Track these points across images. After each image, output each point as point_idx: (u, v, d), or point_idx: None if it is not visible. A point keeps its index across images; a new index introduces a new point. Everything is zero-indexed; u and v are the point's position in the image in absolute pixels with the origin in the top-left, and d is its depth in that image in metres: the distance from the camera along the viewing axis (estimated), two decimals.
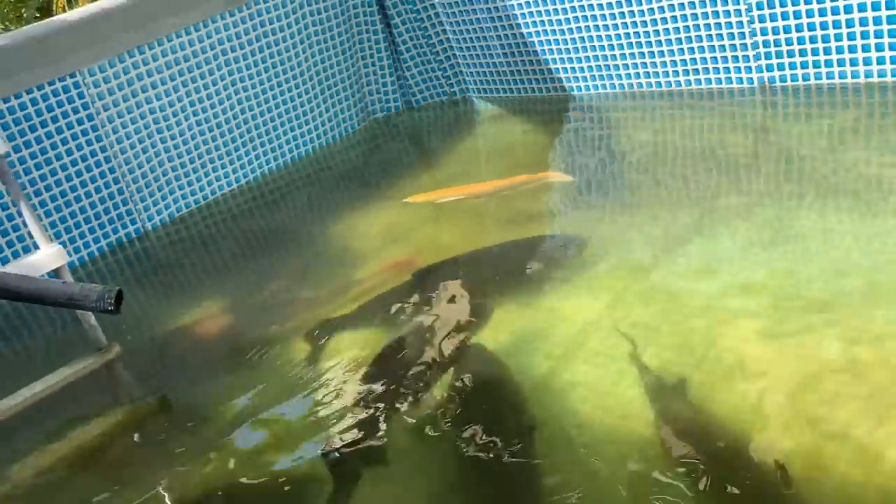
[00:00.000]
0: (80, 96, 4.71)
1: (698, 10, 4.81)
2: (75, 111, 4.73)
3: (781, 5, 4.51)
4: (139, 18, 4.85)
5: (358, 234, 4.57)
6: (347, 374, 3.11)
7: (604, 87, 5.54)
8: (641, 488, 2.22)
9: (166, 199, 5.25)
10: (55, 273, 3.33)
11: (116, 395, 3.58)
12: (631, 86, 5.40)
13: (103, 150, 4.86)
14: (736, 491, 2.14)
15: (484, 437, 2.57)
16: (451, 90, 6.47)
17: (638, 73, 5.31)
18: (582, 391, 2.69)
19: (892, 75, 4.35)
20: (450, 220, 4.52)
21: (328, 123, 6.12)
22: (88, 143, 4.80)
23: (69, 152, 4.75)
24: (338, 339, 3.41)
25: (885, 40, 4.26)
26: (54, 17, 4.73)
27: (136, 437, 3.15)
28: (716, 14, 4.75)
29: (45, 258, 3.30)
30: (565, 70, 5.65)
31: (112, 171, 4.92)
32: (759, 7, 4.59)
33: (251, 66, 5.48)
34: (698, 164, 4.40)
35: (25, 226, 4.47)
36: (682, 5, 4.84)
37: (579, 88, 5.67)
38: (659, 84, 5.25)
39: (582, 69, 5.56)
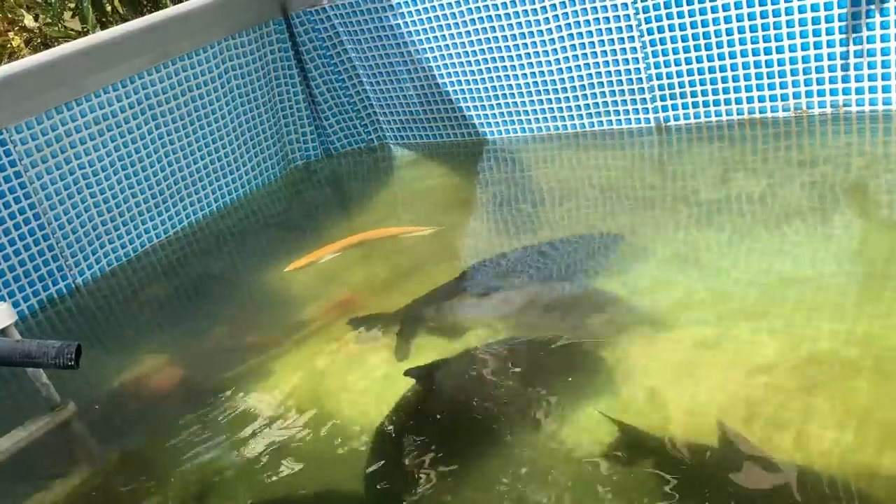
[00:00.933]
0: (7, 153, 4.69)
1: (599, 58, 5.33)
2: (2, 168, 4.70)
3: (674, 52, 5.09)
4: (64, 75, 4.89)
5: (292, 279, 4.74)
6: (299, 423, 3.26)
7: (514, 130, 5.97)
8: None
9: (97, 252, 5.23)
10: (2, 332, 3.33)
11: (75, 456, 3.58)
12: (539, 129, 5.85)
13: (32, 206, 4.83)
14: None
15: None
16: (369, 137, 6.76)
17: (546, 118, 5.77)
18: None
19: (771, 111, 5.00)
20: (381, 258, 4.76)
21: (251, 172, 6.26)
22: (17, 200, 4.76)
23: None
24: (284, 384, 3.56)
25: (765, 81, 4.91)
26: None
27: (98, 499, 3.18)
28: (615, 61, 5.28)
29: None
30: (478, 116, 6.06)
31: (42, 227, 4.88)
32: (654, 55, 5.15)
33: (176, 120, 5.57)
34: (602, 196, 4.87)
35: None
36: (584, 54, 5.35)
37: (492, 133, 6.09)
38: (565, 126, 5.73)
39: (493, 115, 5.98)
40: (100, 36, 5.27)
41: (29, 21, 8.83)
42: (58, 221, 4.96)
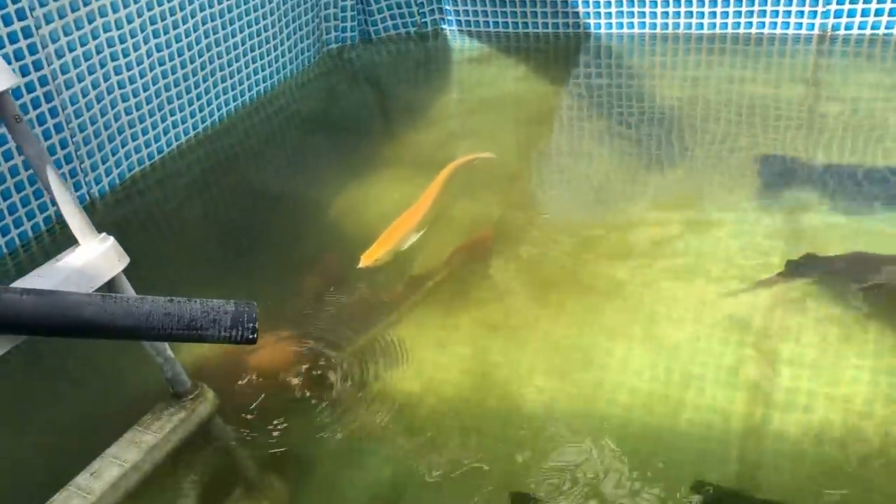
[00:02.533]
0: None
1: None
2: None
3: None
4: None
5: (370, 206, 3.62)
6: None
7: (626, 25, 4.90)
8: None
9: (117, 153, 3.86)
10: (110, 285, 2.12)
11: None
12: (662, 25, 4.81)
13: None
14: None
15: None
16: (423, 19, 5.47)
17: (671, 12, 4.73)
18: None
19: None
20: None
21: (287, 55, 4.92)
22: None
23: None
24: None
25: None
26: None
27: None
28: None
29: (99, 259, 2.07)
30: (575, 2, 4.93)
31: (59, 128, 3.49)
32: None
33: None
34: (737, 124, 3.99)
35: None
36: None
37: (595, 27, 4.98)
38: (697, 25, 4.72)
39: (598, 2, 4.88)
40: None
41: None
42: (78, 121, 3.56)
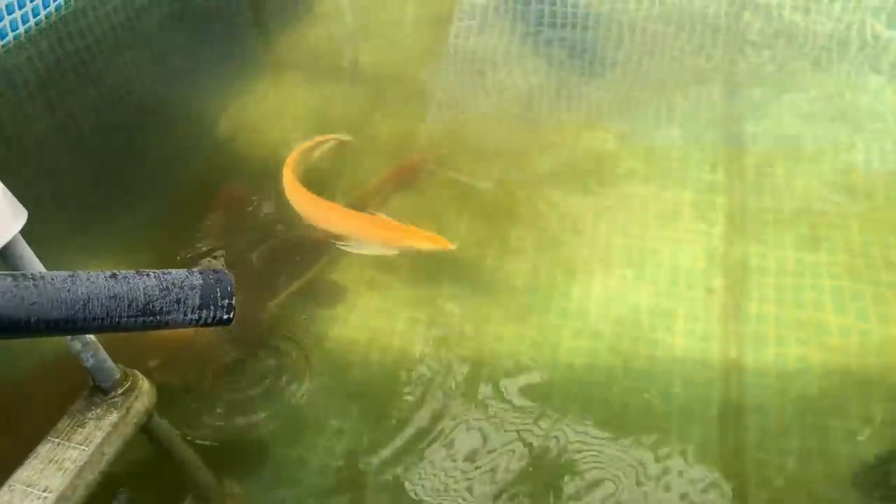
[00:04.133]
0: None
1: None
2: None
3: None
4: None
5: (269, 121, 3.11)
6: None
7: None
8: None
9: None
10: (4, 255, 1.54)
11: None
12: None
13: None
14: None
15: None
16: None
17: None
18: None
19: None
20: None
21: None
22: None
23: None
24: None
25: None
26: None
27: None
28: None
29: None
30: None
31: None
32: None
33: None
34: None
35: None
36: None
37: None
38: None
39: None
40: None
41: None
42: None
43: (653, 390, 2.08)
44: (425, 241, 2.41)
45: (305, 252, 2.46)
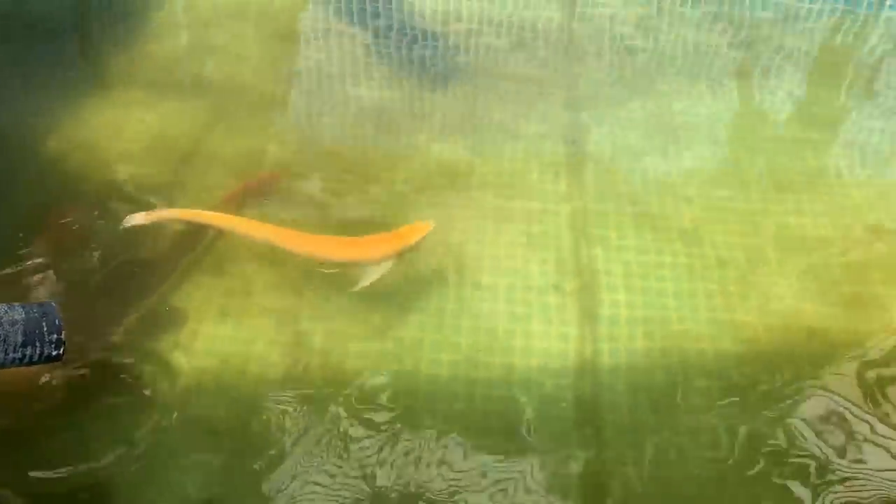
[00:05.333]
0: None
1: None
2: None
3: None
4: None
5: (104, 141, 2.96)
6: None
7: None
8: None
9: None
10: None
11: None
12: None
13: None
14: None
15: None
16: None
17: None
18: None
19: None
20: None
21: None
22: None
23: None
24: None
25: None
26: None
27: None
28: None
29: None
30: None
31: None
32: None
33: None
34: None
35: None
36: None
37: None
38: None
39: None
40: None
41: None
42: None
43: (512, 396, 2.12)
44: (411, 235, 2.35)
45: (147, 276, 2.32)
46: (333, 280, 2.40)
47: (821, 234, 2.76)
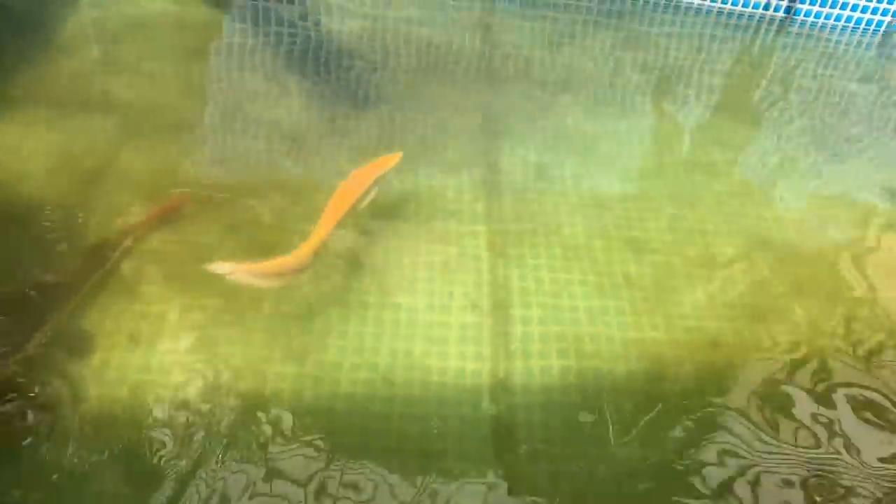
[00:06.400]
0: None
1: None
2: None
3: None
4: None
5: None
6: None
7: None
8: None
9: None
10: None
11: None
12: None
13: None
14: None
15: None
16: None
17: None
18: None
19: None
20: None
21: None
22: None
23: None
24: None
25: None
26: None
27: None
28: None
29: None
30: None
31: None
32: None
33: None
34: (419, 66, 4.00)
35: None
36: None
37: None
38: None
39: None
40: None
41: None
42: None
43: (428, 416, 2.13)
44: (387, 163, 2.77)
45: (50, 297, 2.23)
46: (252, 302, 2.37)
47: (725, 251, 2.90)
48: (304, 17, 4.21)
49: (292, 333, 2.31)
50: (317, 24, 4.15)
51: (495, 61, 4.04)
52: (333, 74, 3.71)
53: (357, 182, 2.70)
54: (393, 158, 2.83)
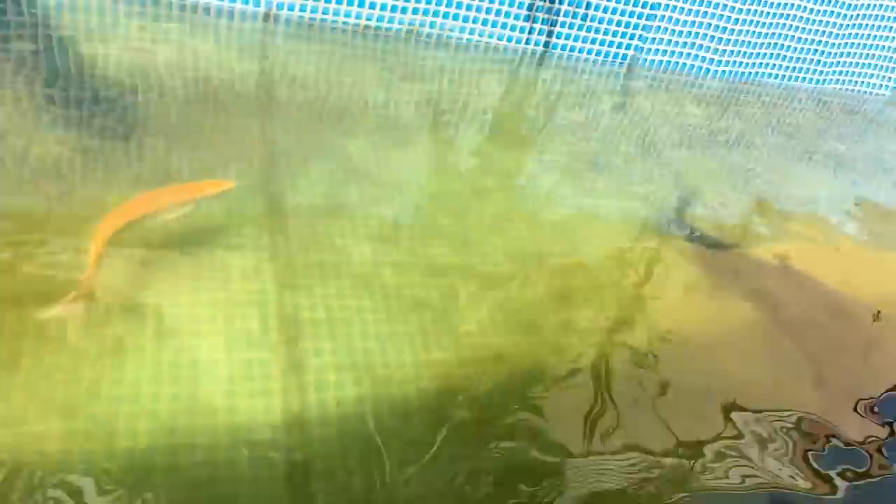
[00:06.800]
0: None
1: None
2: None
3: None
4: None
5: None
6: None
7: None
8: None
9: None
10: None
11: None
12: None
13: None
14: None
15: None
16: None
17: None
18: None
19: (378, 20, 4.76)
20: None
21: None
22: None
23: None
24: None
25: None
26: None
27: None
28: None
29: None
30: None
31: None
32: None
33: None
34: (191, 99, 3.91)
35: None
36: None
37: None
38: None
39: None
40: None
41: None
42: None
43: (218, 461, 2.03)
44: (209, 187, 2.80)
45: None
46: (8, 356, 2.13)
47: (503, 270, 3.08)
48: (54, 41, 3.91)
49: (59, 388, 2.10)
50: (78, 54, 3.86)
51: (275, 92, 4.00)
52: (100, 106, 3.46)
53: (146, 202, 2.69)
54: (219, 185, 2.85)
